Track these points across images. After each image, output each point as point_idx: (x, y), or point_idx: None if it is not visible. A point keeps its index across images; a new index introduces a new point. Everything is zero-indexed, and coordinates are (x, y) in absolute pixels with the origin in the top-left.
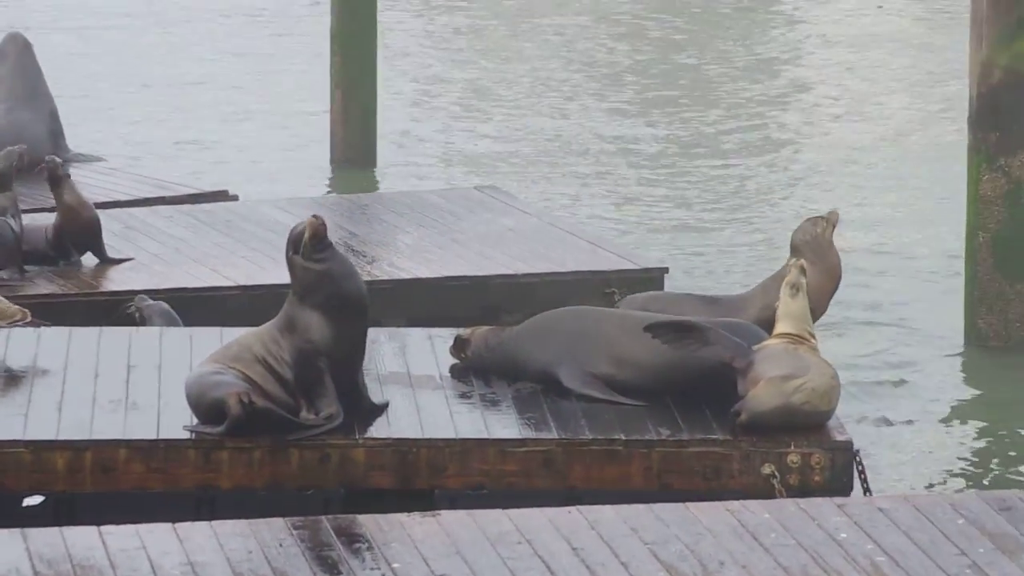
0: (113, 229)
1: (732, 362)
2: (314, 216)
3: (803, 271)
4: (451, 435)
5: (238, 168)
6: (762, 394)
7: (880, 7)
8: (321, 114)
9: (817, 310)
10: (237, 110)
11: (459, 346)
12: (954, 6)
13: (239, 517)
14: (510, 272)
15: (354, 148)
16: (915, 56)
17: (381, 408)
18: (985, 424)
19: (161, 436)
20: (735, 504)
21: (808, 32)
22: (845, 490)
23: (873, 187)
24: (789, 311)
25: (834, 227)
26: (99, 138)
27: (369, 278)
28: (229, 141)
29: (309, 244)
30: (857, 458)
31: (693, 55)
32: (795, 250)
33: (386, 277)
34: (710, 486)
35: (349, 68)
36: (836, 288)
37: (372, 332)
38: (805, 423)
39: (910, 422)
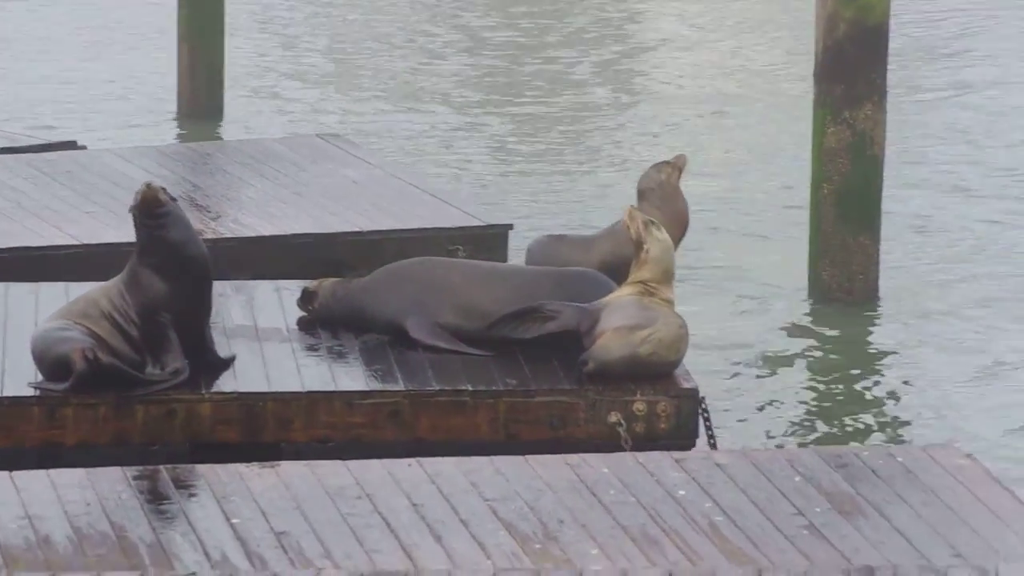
0: None
1: (579, 327)
2: (147, 185)
3: (635, 208)
4: (298, 388)
5: (85, 120)
6: (609, 344)
7: None
8: (169, 66)
9: None
10: (84, 64)
11: (306, 298)
12: None
13: None
14: (355, 229)
15: (201, 101)
16: (760, 7)
17: (227, 362)
18: (826, 377)
19: (5, 393)
20: (575, 458)
21: None
22: (691, 437)
23: (718, 138)
24: (659, 250)
25: (680, 172)
26: None
27: (213, 235)
28: (76, 94)
29: (139, 211)
30: (703, 406)
31: (541, 8)
32: (641, 196)
33: (230, 235)
34: (557, 435)
35: (196, 20)
36: (683, 235)
37: (219, 285)
38: (652, 373)
39: (753, 375)
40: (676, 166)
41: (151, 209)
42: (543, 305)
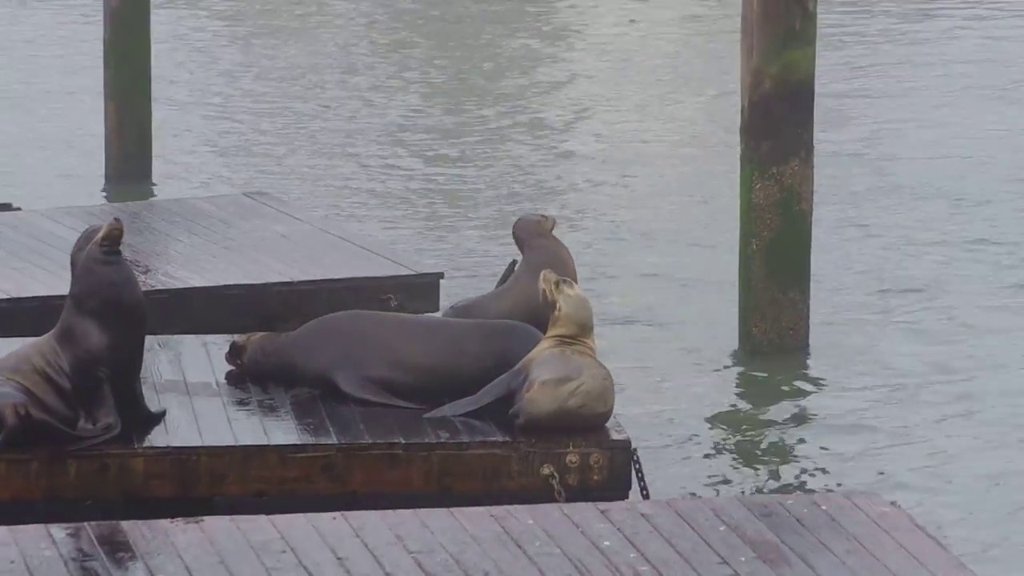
0: None
1: (511, 388)
2: (116, 219)
3: (549, 271)
4: (230, 442)
5: (17, 183)
6: (538, 398)
7: (632, 21)
8: (96, 127)
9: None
10: (11, 125)
11: (235, 352)
12: (711, 21)
13: None
14: (286, 280)
15: (129, 160)
16: (678, 68)
17: (159, 416)
18: (756, 427)
19: None
20: (499, 510)
21: (576, 43)
22: (624, 489)
23: (645, 193)
24: (572, 306)
25: (551, 228)
26: None
27: (145, 288)
28: (6, 155)
29: (99, 243)
30: (635, 457)
31: (466, 59)
32: (522, 242)
33: (161, 287)
34: (490, 488)
35: (122, 81)
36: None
37: (146, 340)
38: (583, 425)
39: (684, 425)
40: (548, 218)
41: (113, 243)
42: (475, 397)
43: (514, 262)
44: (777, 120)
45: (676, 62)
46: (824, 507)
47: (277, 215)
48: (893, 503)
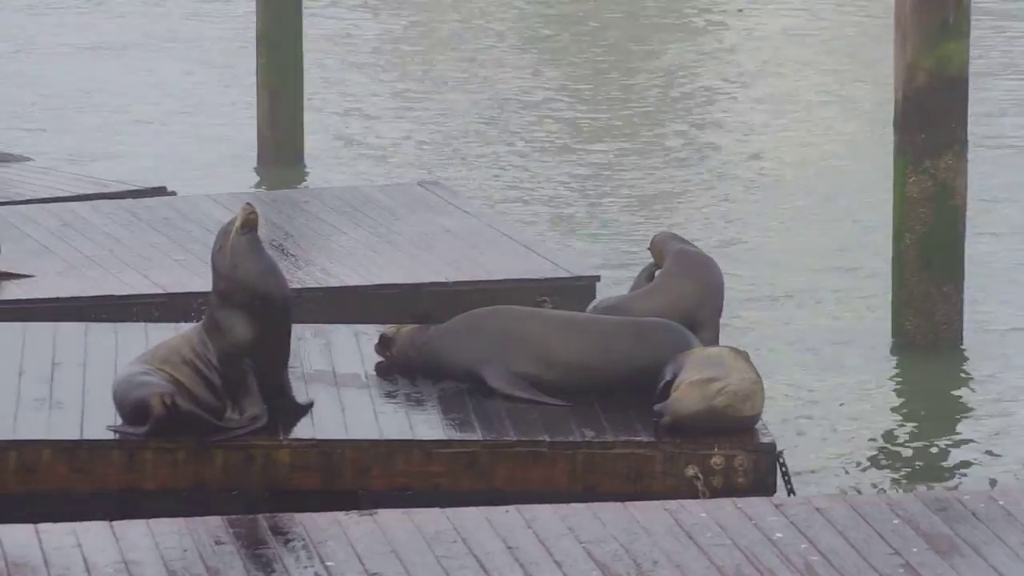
0: (49, 226)
1: (663, 376)
2: (248, 203)
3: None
4: (376, 436)
5: (168, 171)
6: (684, 397)
7: (740, 10)
8: (250, 115)
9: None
10: (163, 112)
11: (384, 344)
12: (873, 8)
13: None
14: (441, 280)
15: (283, 149)
16: (838, 58)
17: (306, 408)
18: (913, 424)
19: (85, 436)
20: (673, 504)
21: (736, 31)
22: (768, 492)
23: (796, 187)
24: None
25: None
26: (12, 139)
27: (298, 284)
28: (157, 144)
29: (239, 231)
30: (780, 460)
31: (622, 55)
32: (660, 251)
33: (315, 284)
34: (634, 488)
35: (275, 69)
36: (720, 290)
37: (297, 328)
38: (728, 427)
39: (835, 424)
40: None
41: (253, 228)
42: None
43: (652, 264)
44: (931, 114)
45: (840, 52)
46: (1001, 502)
47: (446, 207)
48: None
